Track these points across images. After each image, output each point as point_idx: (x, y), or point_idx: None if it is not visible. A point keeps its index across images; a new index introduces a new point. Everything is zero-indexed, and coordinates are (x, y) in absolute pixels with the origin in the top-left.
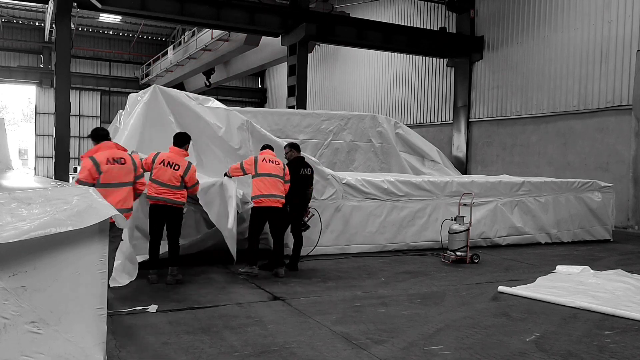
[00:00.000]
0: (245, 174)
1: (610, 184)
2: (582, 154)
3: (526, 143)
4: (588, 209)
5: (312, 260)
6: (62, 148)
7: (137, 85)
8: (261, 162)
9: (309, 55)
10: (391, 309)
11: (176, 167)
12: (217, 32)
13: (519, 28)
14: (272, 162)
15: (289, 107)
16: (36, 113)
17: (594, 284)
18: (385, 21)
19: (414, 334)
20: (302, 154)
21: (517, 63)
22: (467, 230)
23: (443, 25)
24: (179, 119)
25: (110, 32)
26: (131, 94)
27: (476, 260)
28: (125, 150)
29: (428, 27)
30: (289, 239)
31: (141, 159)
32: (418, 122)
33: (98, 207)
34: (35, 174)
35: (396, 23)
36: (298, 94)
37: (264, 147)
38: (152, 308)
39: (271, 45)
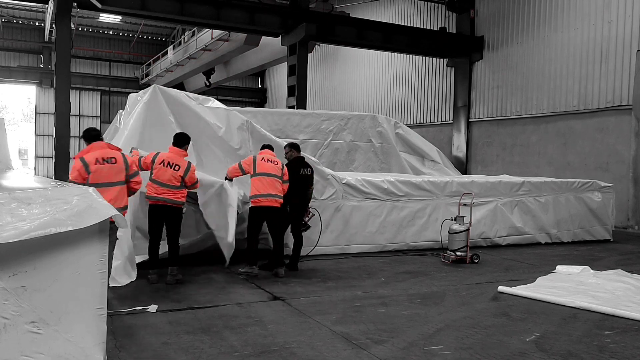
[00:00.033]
0: (244, 173)
1: (610, 184)
2: (582, 154)
3: (526, 143)
4: (588, 209)
5: (312, 260)
6: (62, 148)
7: (137, 85)
8: (260, 161)
9: (309, 55)
10: (391, 309)
11: (176, 168)
12: (217, 32)
13: (519, 28)
14: (271, 162)
15: (289, 107)
16: (36, 113)
17: (594, 284)
18: (385, 21)
19: (414, 334)
20: (302, 154)
21: (517, 63)
22: (467, 230)
23: (443, 25)
24: (179, 119)
25: (110, 32)
26: (131, 94)
27: (476, 260)
28: (118, 149)
29: (428, 27)
30: (289, 239)
31: (142, 157)
32: (418, 122)
33: (98, 207)
34: (35, 174)
35: (396, 23)
36: (298, 94)
37: (264, 147)
38: (152, 308)
39: (271, 45)
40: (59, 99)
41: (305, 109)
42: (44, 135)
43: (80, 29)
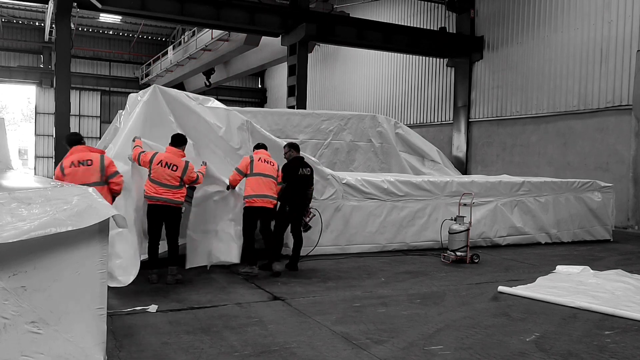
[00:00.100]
0: (245, 176)
1: (610, 184)
2: (582, 154)
3: (526, 143)
4: (588, 209)
5: (312, 260)
6: (62, 148)
7: (137, 85)
8: (257, 161)
9: (309, 55)
10: (391, 309)
11: (174, 168)
12: (217, 32)
13: (519, 28)
14: (267, 163)
15: (289, 107)
16: (36, 113)
17: (594, 284)
18: (385, 21)
19: (414, 334)
20: (302, 153)
21: (517, 63)
22: (467, 230)
23: (443, 25)
24: (179, 119)
25: (110, 32)
26: (131, 94)
27: (476, 260)
28: (101, 152)
29: (428, 27)
30: (289, 239)
31: (143, 152)
32: (418, 122)
33: (98, 207)
34: (35, 174)
35: (396, 23)
36: (298, 94)
37: (258, 146)
38: (152, 308)
39: (271, 45)
40: (59, 99)
41: (305, 109)
42: (44, 135)
43: (80, 29)
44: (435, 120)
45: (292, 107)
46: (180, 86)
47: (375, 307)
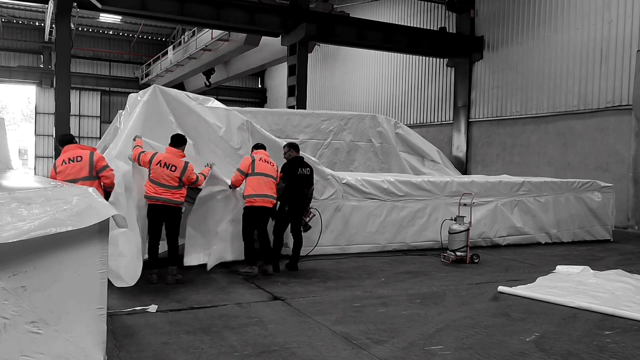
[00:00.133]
0: (246, 176)
1: (610, 184)
2: (582, 154)
3: (526, 143)
4: (588, 209)
5: (312, 260)
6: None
7: (137, 85)
8: (258, 161)
9: (309, 55)
10: (391, 309)
11: (172, 169)
12: (217, 32)
13: (519, 28)
14: (268, 163)
15: (289, 107)
16: (36, 113)
17: (594, 284)
18: (385, 21)
19: (414, 334)
20: (302, 153)
21: (517, 63)
22: (467, 230)
23: (443, 25)
24: (179, 119)
25: (110, 32)
26: (131, 94)
27: (476, 260)
28: (92, 149)
29: (428, 27)
30: (289, 238)
31: (143, 152)
32: (418, 122)
33: (98, 207)
34: (35, 174)
35: (396, 23)
36: (298, 94)
37: (258, 146)
38: (152, 308)
39: (271, 45)
40: (59, 99)
41: (305, 109)
42: (44, 135)
43: (80, 29)
44: (435, 120)
45: (292, 107)
46: (180, 86)
47: (375, 307)
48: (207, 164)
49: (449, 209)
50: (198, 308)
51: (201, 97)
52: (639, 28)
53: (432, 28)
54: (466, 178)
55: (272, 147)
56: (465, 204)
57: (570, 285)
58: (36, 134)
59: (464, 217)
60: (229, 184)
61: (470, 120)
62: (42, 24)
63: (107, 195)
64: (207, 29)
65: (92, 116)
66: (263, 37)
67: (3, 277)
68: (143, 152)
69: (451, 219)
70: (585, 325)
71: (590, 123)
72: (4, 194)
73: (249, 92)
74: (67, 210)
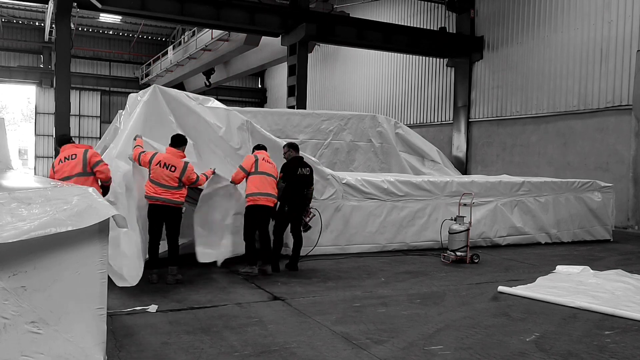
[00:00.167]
0: (248, 174)
1: (610, 184)
2: (582, 154)
3: (526, 143)
4: (588, 209)
5: (312, 260)
6: None
7: (137, 85)
8: (261, 160)
9: (309, 55)
10: (391, 309)
11: (172, 169)
12: (217, 32)
13: (519, 28)
14: (269, 163)
15: (289, 107)
16: (36, 113)
17: (594, 284)
18: (385, 21)
19: (414, 334)
20: (302, 153)
21: (517, 63)
22: (467, 230)
23: (443, 25)
24: (179, 119)
25: (110, 32)
26: (131, 94)
27: (476, 260)
28: (88, 147)
29: (428, 27)
30: (289, 238)
31: (143, 152)
32: (418, 122)
33: (98, 207)
34: (35, 174)
35: (396, 23)
36: (298, 94)
37: (258, 147)
38: (152, 308)
39: (271, 45)
40: (59, 99)
41: (305, 109)
42: (44, 135)
43: (80, 29)
44: (435, 120)
45: (292, 107)
46: (180, 86)
47: (375, 307)
48: (211, 169)
49: (449, 209)
50: (198, 308)
51: (201, 97)
52: (639, 28)
53: (432, 28)
54: (466, 178)
55: (272, 147)
56: (465, 204)
57: (570, 285)
58: (36, 134)
59: (464, 217)
60: (230, 180)
61: (470, 120)
62: (42, 24)
63: (105, 190)
64: (207, 29)
65: (92, 116)
66: (263, 37)
67: (3, 277)
68: (143, 152)
69: (451, 219)
70: (585, 325)
71: (590, 123)
72: (4, 194)
73: (249, 92)
74: (67, 210)
